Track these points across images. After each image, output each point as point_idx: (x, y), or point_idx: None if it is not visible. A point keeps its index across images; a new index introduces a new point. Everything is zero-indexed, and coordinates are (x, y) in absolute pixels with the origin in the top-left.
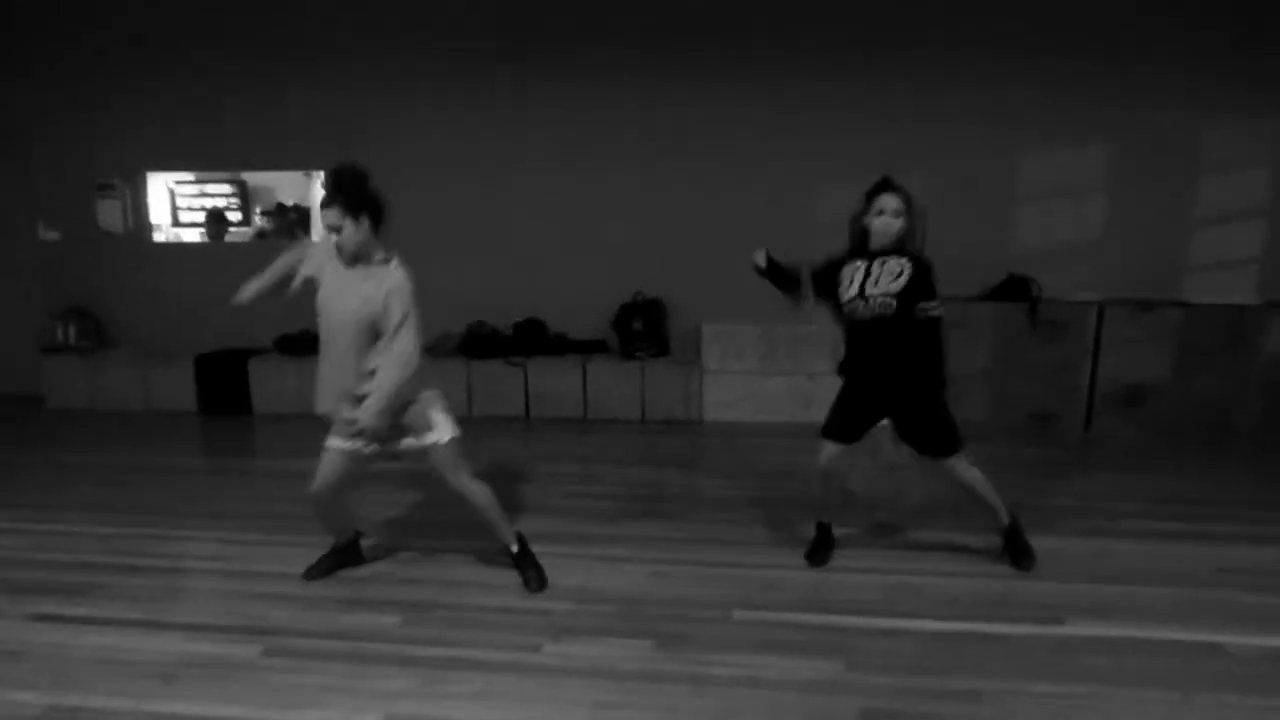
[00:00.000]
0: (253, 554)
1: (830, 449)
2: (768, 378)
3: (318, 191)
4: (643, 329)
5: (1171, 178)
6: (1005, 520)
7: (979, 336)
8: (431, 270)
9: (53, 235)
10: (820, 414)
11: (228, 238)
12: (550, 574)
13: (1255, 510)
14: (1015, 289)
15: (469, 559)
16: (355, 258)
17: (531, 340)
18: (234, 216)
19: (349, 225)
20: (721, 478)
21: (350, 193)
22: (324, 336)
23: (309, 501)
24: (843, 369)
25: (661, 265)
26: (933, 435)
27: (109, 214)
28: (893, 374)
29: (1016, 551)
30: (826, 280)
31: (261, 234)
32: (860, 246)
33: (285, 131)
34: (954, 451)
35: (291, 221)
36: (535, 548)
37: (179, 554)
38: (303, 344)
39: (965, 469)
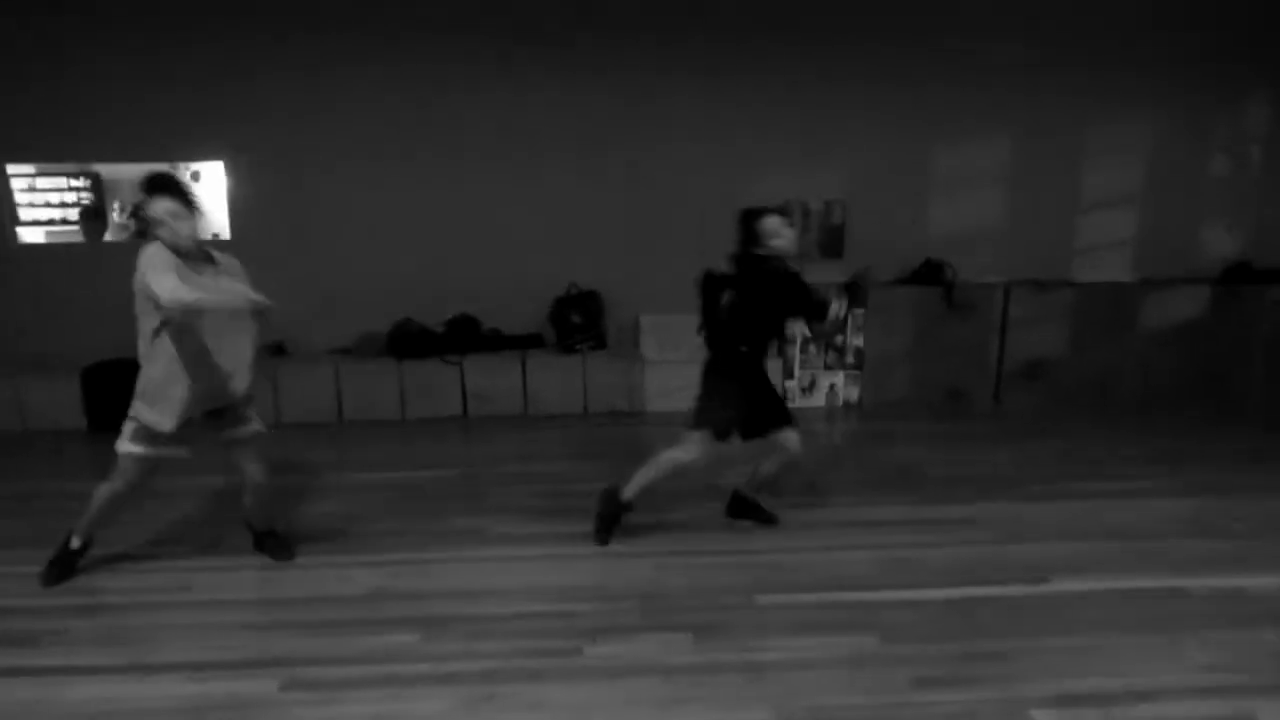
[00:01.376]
0: (223, 581)
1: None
2: (697, 365)
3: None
4: (581, 321)
5: (1061, 168)
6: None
7: (900, 319)
8: (354, 266)
9: None
10: None
11: (106, 236)
12: (555, 575)
13: (1159, 467)
14: (932, 273)
15: (457, 565)
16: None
17: (465, 337)
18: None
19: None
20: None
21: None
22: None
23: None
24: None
25: (595, 257)
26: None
27: None
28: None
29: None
30: None
31: (142, 232)
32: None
33: (169, 120)
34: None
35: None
36: (520, 550)
37: (134, 588)
38: None
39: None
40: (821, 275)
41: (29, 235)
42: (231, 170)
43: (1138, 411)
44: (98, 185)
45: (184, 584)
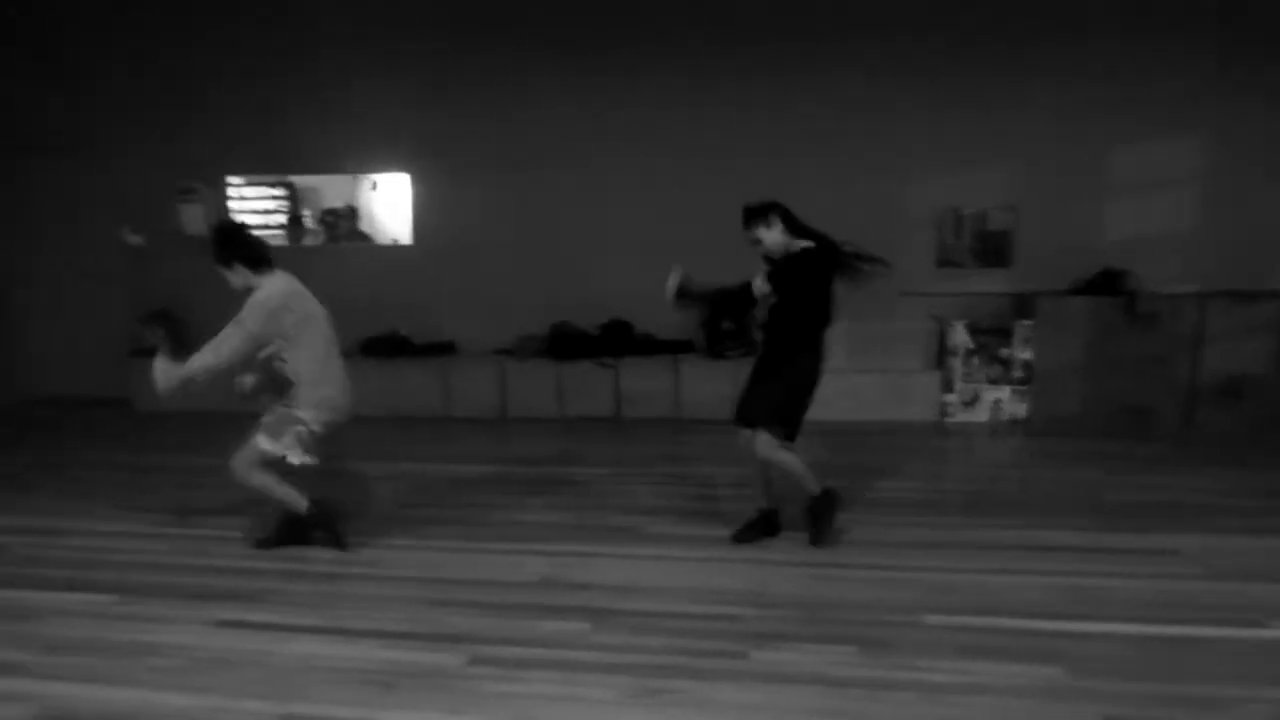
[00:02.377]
0: (404, 559)
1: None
2: (859, 374)
3: (367, 193)
4: (732, 328)
5: (1266, 166)
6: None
7: (1072, 331)
8: (517, 270)
9: (137, 240)
10: (914, 412)
11: (305, 241)
12: (712, 578)
13: None
14: (1110, 282)
15: (618, 561)
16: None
17: (619, 341)
18: (281, 219)
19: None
20: (833, 477)
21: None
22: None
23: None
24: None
25: (746, 265)
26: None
27: (191, 218)
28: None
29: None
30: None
31: (334, 238)
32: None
33: (359, 135)
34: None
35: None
36: (675, 550)
37: (330, 558)
38: (388, 346)
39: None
40: (983, 284)
41: None
42: (417, 181)
43: None
44: (293, 195)
45: (373, 559)
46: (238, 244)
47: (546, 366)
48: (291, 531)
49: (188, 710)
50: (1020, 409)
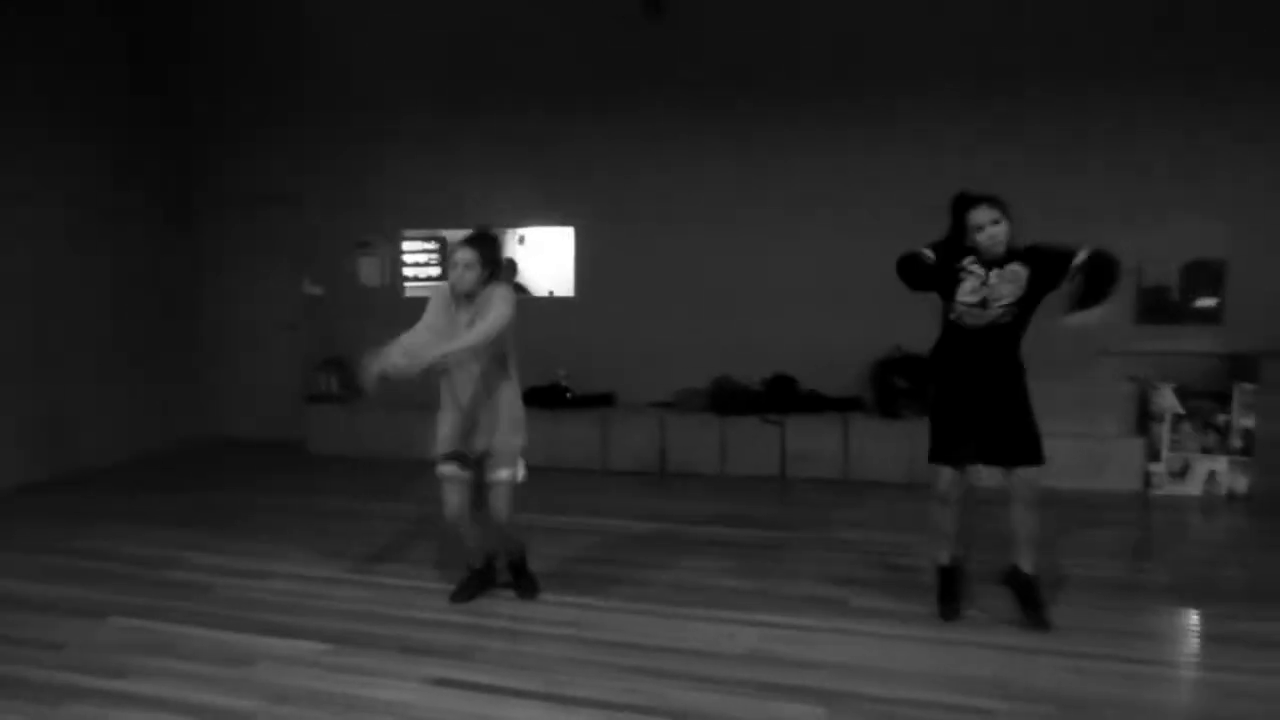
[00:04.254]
0: (605, 620)
1: (947, 474)
2: (1052, 439)
3: (515, 247)
4: (906, 385)
5: None
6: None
7: None
8: (676, 322)
9: (317, 290)
10: (1114, 481)
11: None
12: (943, 662)
13: None
14: None
15: (833, 636)
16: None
17: (783, 397)
18: (434, 271)
19: (477, 268)
20: (1050, 552)
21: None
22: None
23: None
24: (939, 377)
25: (919, 319)
26: (1024, 440)
27: (368, 270)
28: (999, 381)
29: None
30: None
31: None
32: (963, 246)
33: (525, 190)
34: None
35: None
36: (890, 628)
37: (526, 616)
38: (548, 396)
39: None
40: (1192, 343)
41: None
42: (580, 234)
43: None
44: (444, 249)
45: (571, 620)
46: (498, 248)
47: (709, 421)
48: (483, 581)
49: None
50: (1240, 482)
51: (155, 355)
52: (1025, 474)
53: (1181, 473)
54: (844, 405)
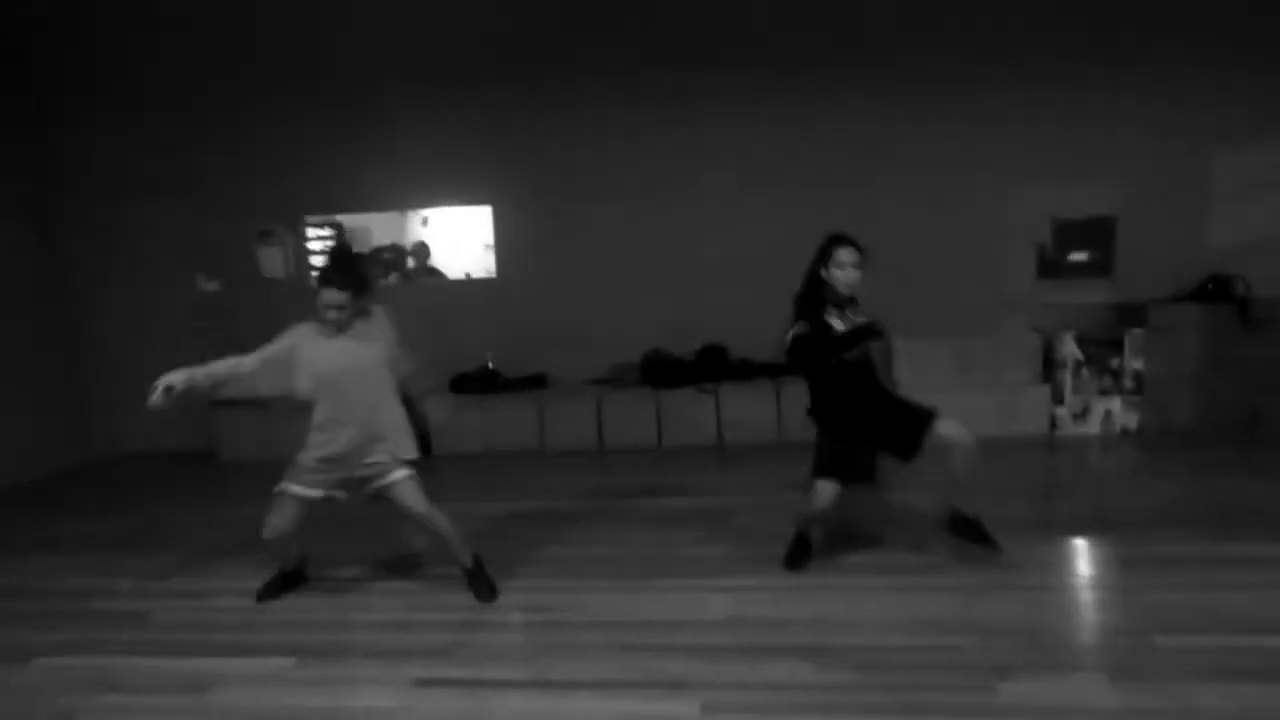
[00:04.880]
0: (580, 602)
1: (831, 491)
2: (965, 392)
3: (417, 229)
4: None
5: None
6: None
7: (1184, 339)
8: (605, 300)
9: (212, 286)
10: (1022, 427)
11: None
12: (913, 608)
13: None
14: (1219, 289)
15: (803, 593)
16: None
17: (716, 366)
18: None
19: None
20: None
21: (349, 273)
22: (338, 400)
23: (264, 545)
24: (828, 414)
25: None
26: (912, 413)
27: (271, 261)
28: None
29: None
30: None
31: (406, 274)
32: (821, 298)
33: (436, 170)
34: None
35: (390, 264)
36: (856, 580)
37: (499, 606)
38: (478, 381)
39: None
40: (1086, 294)
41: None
42: (497, 214)
43: None
44: (340, 234)
45: (544, 604)
46: (358, 270)
47: (644, 395)
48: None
49: None
50: (1132, 419)
51: (32, 368)
52: (947, 428)
53: (1082, 414)
54: (775, 371)
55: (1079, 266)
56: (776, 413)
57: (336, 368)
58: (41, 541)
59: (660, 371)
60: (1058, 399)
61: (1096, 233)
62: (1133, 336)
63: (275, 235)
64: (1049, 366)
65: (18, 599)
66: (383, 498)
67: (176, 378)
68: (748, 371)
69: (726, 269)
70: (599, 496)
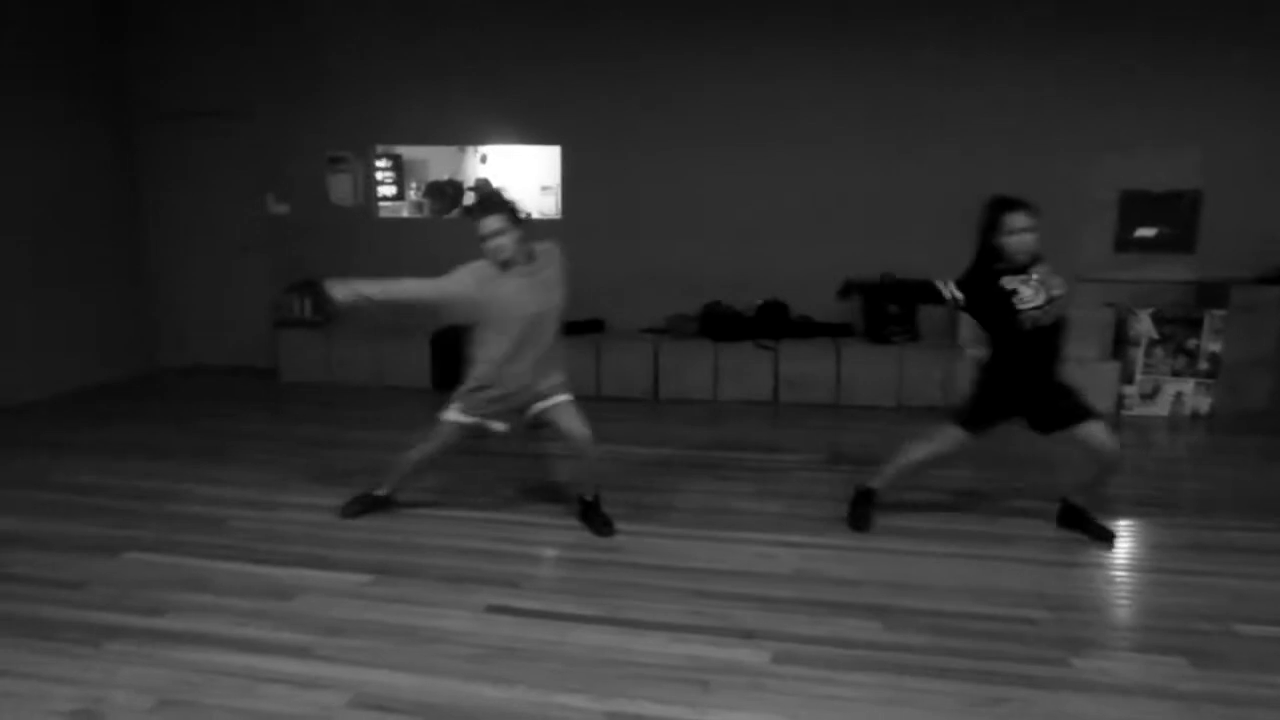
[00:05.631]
0: (647, 545)
1: (963, 438)
2: None
3: (472, 166)
4: (899, 312)
5: None
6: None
7: (1266, 321)
8: (667, 248)
9: (282, 209)
10: (1096, 401)
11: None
12: (983, 576)
13: None
14: None
15: (871, 555)
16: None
17: (776, 322)
18: (388, 190)
19: (510, 233)
20: (1033, 469)
21: (506, 208)
22: (513, 338)
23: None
24: (1002, 372)
25: (909, 246)
26: (1075, 404)
27: (340, 188)
28: (1055, 369)
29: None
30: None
31: (469, 211)
32: (993, 271)
33: (510, 107)
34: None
35: (450, 198)
36: (926, 545)
37: (567, 543)
38: None
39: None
40: (1166, 271)
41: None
42: (567, 154)
43: None
44: (399, 166)
45: (611, 545)
46: (507, 203)
47: (702, 347)
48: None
49: (505, 703)
50: (1204, 402)
51: (103, 280)
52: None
53: (1152, 394)
54: (835, 331)
55: (1158, 241)
56: (836, 372)
57: (514, 306)
58: (111, 443)
59: (720, 324)
60: (1127, 378)
61: (1175, 207)
62: (1212, 317)
63: (345, 162)
64: (1120, 343)
65: (96, 495)
66: (543, 423)
67: (365, 290)
68: (808, 329)
69: (790, 225)
70: (654, 445)
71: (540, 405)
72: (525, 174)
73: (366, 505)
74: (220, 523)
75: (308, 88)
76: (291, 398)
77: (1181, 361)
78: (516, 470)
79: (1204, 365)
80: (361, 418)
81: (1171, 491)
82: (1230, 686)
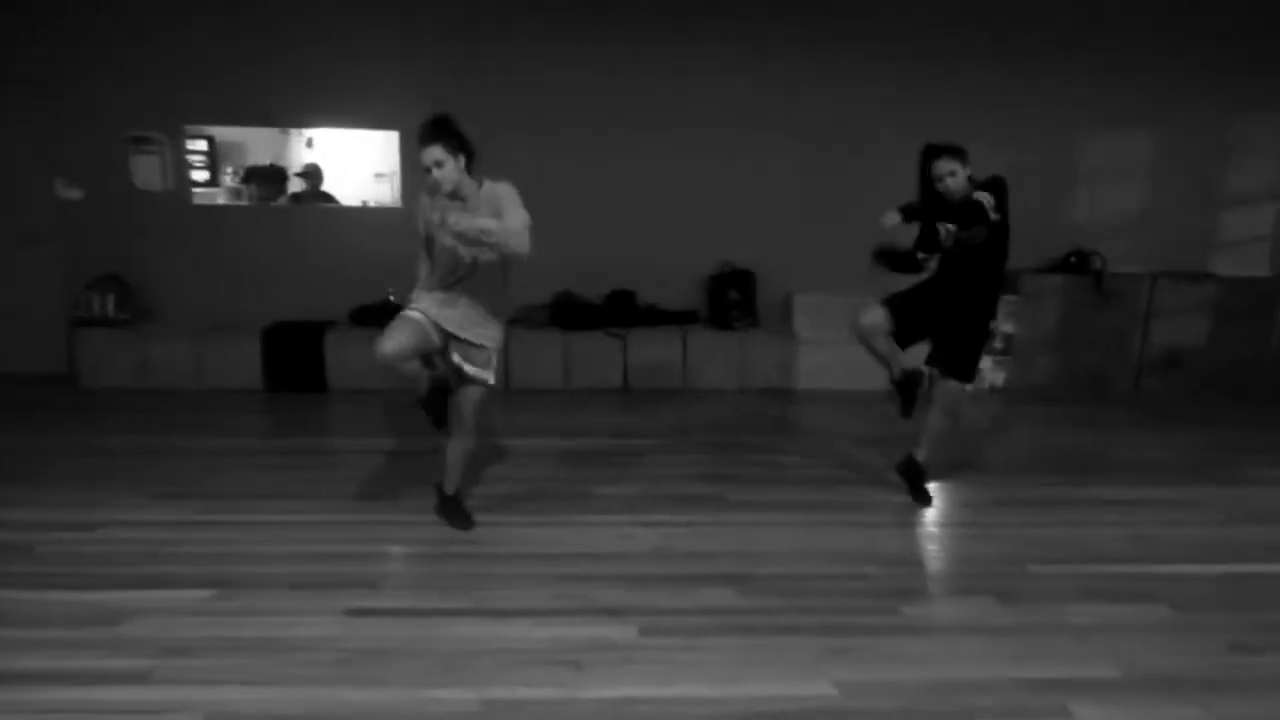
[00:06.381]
0: (508, 535)
1: (879, 316)
2: (854, 346)
3: (295, 150)
4: (739, 299)
5: (1203, 162)
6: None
7: (1049, 306)
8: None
9: (74, 194)
10: None
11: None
12: (821, 541)
13: None
14: (1080, 262)
15: (723, 529)
16: (455, 192)
17: (624, 311)
18: (201, 176)
19: (450, 162)
20: (861, 441)
21: (451, 134)
22: (444, 266)
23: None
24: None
25: (748, 236)
26: (964, 357)
27: (146, 171)
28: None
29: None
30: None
31: (297, 197)
32: (939, 205)
33: (344, 88)
34: (970, 379)
35: (317, 181)
36: (770, 516)
37: (429, 539)
38: (381, 315)
39: (953, 399)
40: None
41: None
42: (406, 140)
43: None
44: (213, 149)
45: (471, 538)
46: (462, 133)
47: (553, 337)
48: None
49: (376, 705)
50: (1000, 377)
51: None
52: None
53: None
54: (681, 318)
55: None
56: (682, 358)
57: (439, 235)
58: None
59: (570, 314)
60: None
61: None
62: (1005, 302)
63: (152, 143)
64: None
65: None
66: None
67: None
68: (655, 318)
69: (637, 214)
70: (508, 435)
71: (461, 364)
72: (358, 160)
73: (438, 397)
74: (28, 549)
75: (108, 57)
76: (98, 406)
77: (994, 344)
78: (361, 471)
79: (1000, 344)
80: (185, 423)
81: (978, 456)
82: (1030, 617)
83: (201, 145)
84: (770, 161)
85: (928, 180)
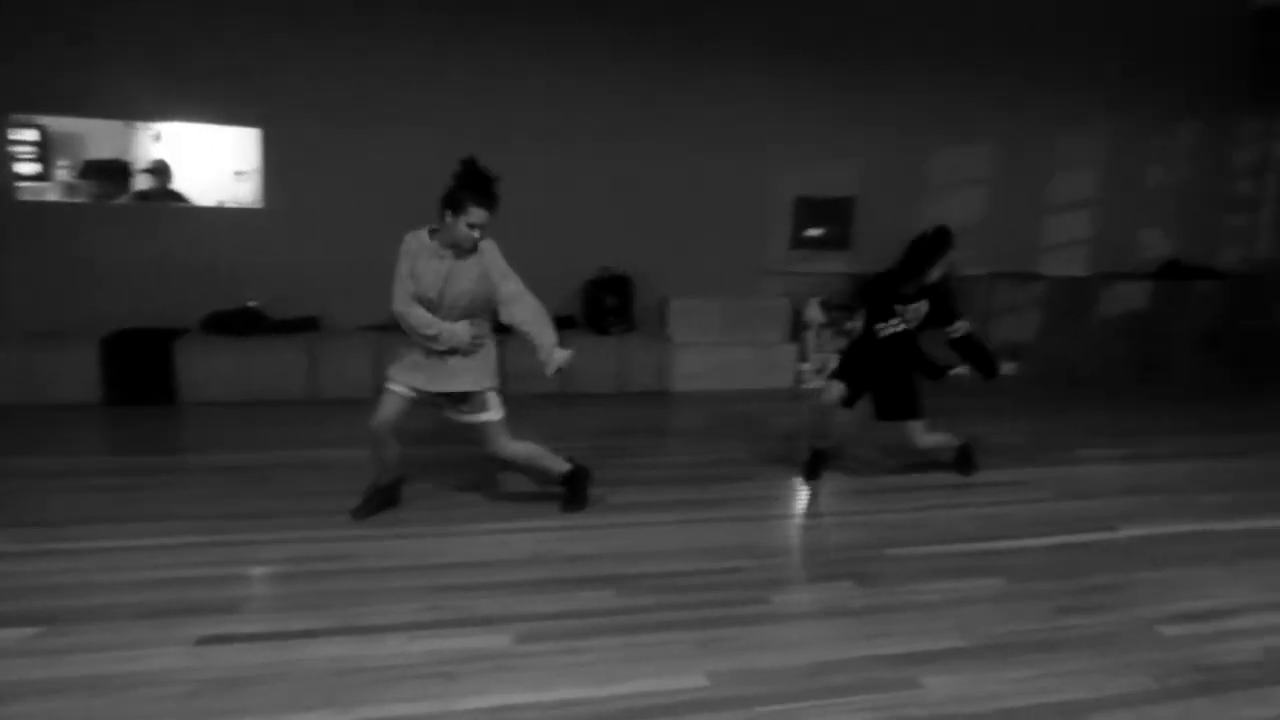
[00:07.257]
0: (374, 549)
1: (838, 389)
2: (728, 348)
3: (141, 144)
4: (616, 304)
5: (1032, 172)
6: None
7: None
8: (384, 247)
9: None
10: (779, 379)
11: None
12: (696, 538)
13: (1178, 437)
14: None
15: (601, 531)
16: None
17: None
18: (29, 169)
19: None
20: (736, 440)
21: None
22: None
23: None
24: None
25: (617, 241)
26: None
27: None
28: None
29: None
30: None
31: (144, 195)
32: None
33: (193, 80)
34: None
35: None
36: (647, 516)
37: (294, 556)
38: (241, 322)
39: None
40: (830, 265)
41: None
42: (270, 137)
43: (1103, 391)
44: (45, 141)
45: (344, 553)
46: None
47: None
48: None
49: None
50: None
51: None
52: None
53: (822, 370)
54: (558, 323)
55: (823, 240)
56: None
57: (428, 287)
58: None
59: None
60: (802, 356)
61: (836, 212)
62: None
63: None
64: (797, 327)
65: None
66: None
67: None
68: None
69: (508, 216)
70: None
71: (459, 417)
72: (212, 157)
73: (377, 501)
74: None
75: None
76: None
77: (843, 342)
78: (216, 488)
79: None
80: (10, 441)
81: (840, 451)
82: (887, 598)
83: (31, 135)
84: (647, 167)
85: (931, 261)
